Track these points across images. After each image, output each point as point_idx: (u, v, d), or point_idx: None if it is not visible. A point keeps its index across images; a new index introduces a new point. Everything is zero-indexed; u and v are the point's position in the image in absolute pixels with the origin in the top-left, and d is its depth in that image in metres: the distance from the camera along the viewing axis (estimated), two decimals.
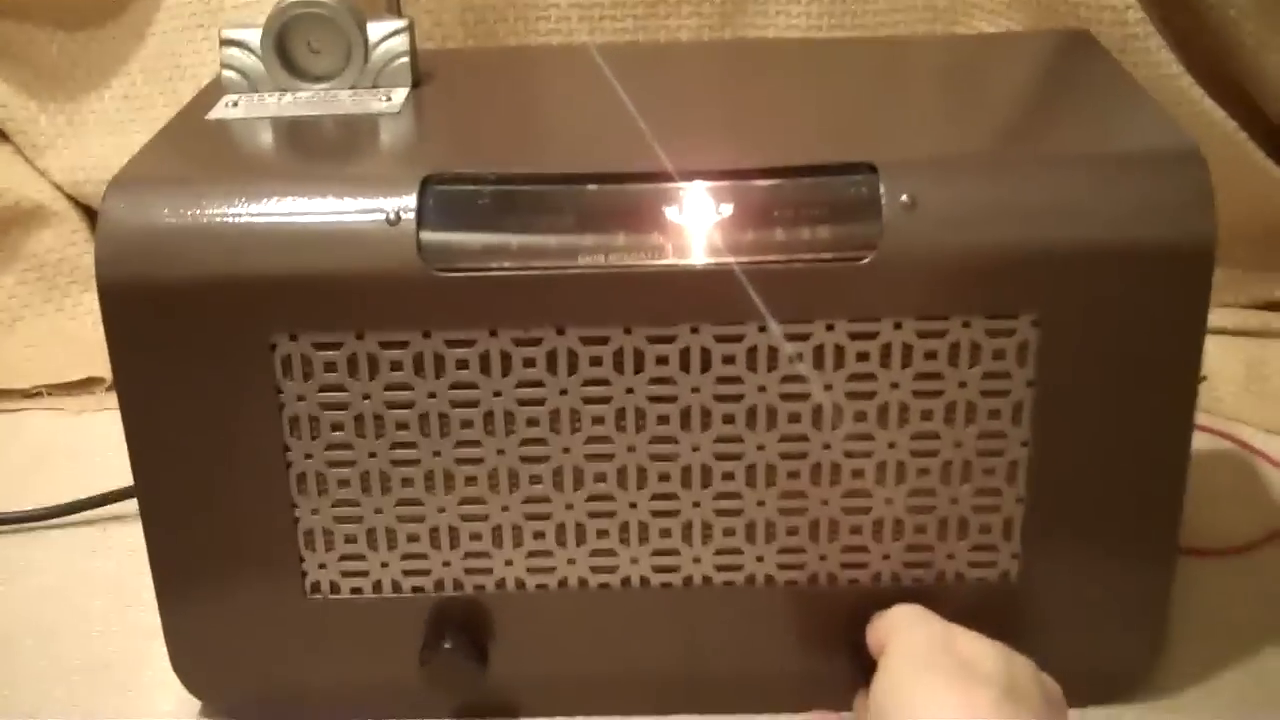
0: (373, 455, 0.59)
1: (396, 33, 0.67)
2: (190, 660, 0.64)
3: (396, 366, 0.58)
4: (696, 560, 0.62)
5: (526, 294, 0.57)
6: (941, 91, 0.71)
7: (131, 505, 0.74)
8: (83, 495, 0.82)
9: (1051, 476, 0.60)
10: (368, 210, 0.57)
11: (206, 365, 0.58)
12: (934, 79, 0.73)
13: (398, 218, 0.57)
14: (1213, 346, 0.92)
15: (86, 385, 0.94)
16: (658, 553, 0.62)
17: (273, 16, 0.66)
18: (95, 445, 0.89)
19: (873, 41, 0.77)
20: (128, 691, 0.68)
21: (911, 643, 0.55)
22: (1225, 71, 0.93)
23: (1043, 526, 0.61)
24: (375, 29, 0.67)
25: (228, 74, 0.67)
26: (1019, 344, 0.58)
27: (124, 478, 0.66)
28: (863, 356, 0.58)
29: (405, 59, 0.67)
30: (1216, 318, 0.94)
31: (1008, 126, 0.65)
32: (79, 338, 0.98)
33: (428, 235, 0.57)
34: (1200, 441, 0.85)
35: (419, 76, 0.69)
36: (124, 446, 0.60)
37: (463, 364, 0.58)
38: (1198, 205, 0.57)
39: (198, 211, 0.57)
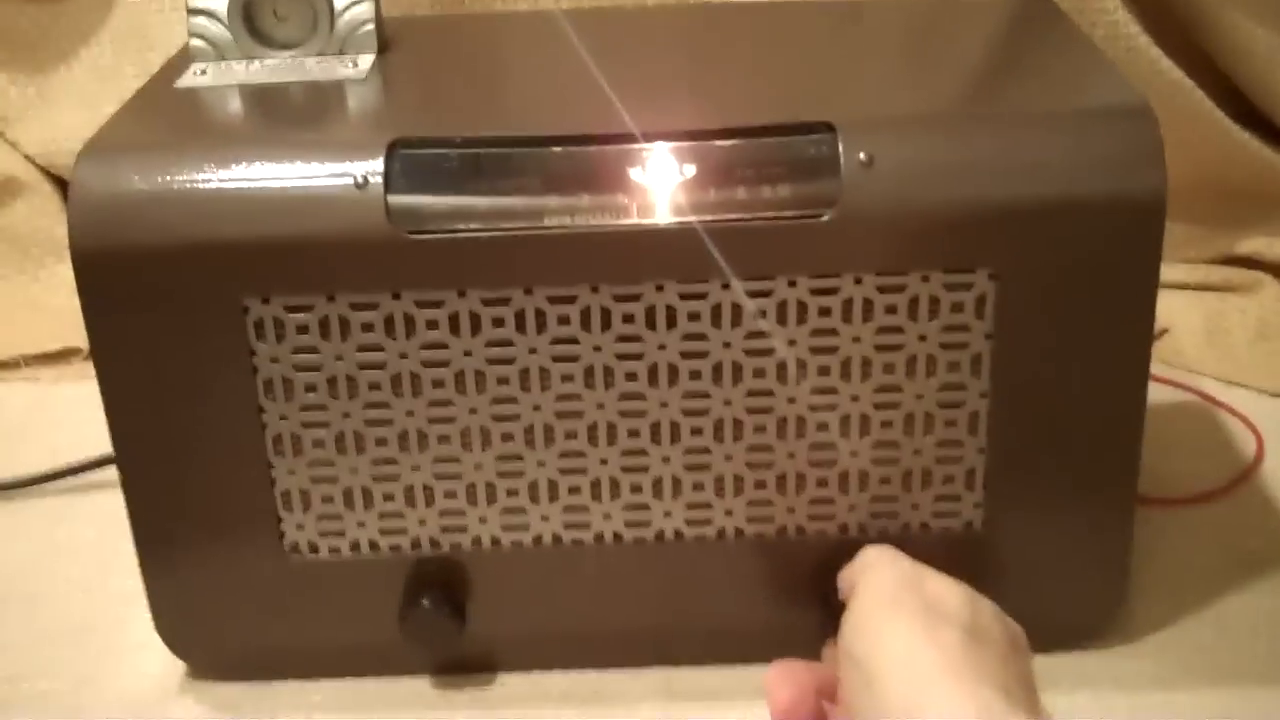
0: (346, 416, 0.60)
1: (362, 0, 0.68)
2: (174, 622, 0.65)
3: (368, 328, 0.59)
4: (667, 514, 0.63)
5: (494, 255, 0.58)
6: (899, 53, 0.72)
7: (110, 473, 0.74)
8: (61, 464, 0.83)
9: (1011, 427, 0.61)
10: (336, 175, 0.58)
11: (180, 330, 0.58)
12: (892, 41, 0.73)
13: (365, 181, 0.57)
14: (1175, 301, 0.94)
15: (63, 356, 0.95)
16: (629, 508, 0.63)
17: None
18: (73, 415, 0.89)
19: (832, 5, 0.78)
20: (112, 654, 0.69)
21: (879, 582, 0.55)
22: (1187, 35, 0.94)
23: (1004, 476, 0.62)
24: None
25: (195, 42, 0.68)
26: (977, 297, 0.59)
27: (102, 446, 0.67)
28: (825, 312, 0.59)
29: (370, 26, 0.68)
30: (1178, 273, 0.96)
31: (964, 86, 0.66)
32: (54, 308, 0.98)
33: (395, 199, 0.57)
34: (1163, 393, 0.87)
35: (385, 43, 0.69)
36: (101, 416, 0.61)
37: (433, 324, 0.59)
38: (1148, 159, 0.58)
39: (168, 178, 0.58)
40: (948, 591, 0.55)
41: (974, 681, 0.49)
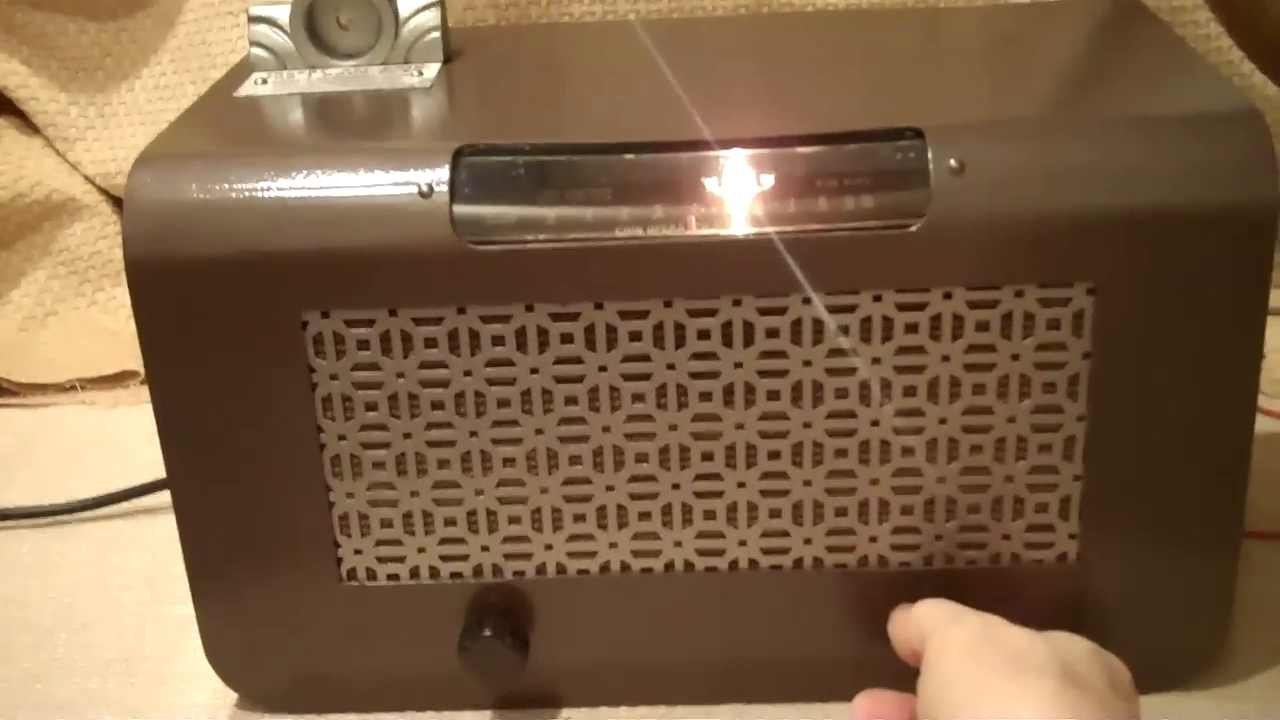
0: (408, 436, 0.58)
1: (428, 7, 0.66)
2: (225, 651, 0.63)
3: (431, 343, 0.56)
4: (742, 543, 0.60)
5: (563, 267, 0.55)
6: (986, 57, 0.69)
7: (164, 498, 0.72)
8: (116, 489, 0.81)
9: (1110, 453, 0.58)
10: (400, 183, 0.55)
11: (237, 344, 0.56)
12: (977, 45, 0.71)
13: (430, 190, 0.55)
14: (1269, 326, 0.90)
15: (120, 379, 0.94)
16: (702, 535, 0.60)
17: None
18: (129, 439, 0.88)
19: (912, 11, 0.75)
20: (162, 684, 0.67)
21: (952, 641, 0.52)
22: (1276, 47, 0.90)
23: (1102, 505, 0.59)
24: (406, 4, 0.66)
25: (256, 51, 0.66)
26: (1074, 314, 0.56)
27: (158, 470, 0.65)
28: (911, 328, 0.56)
29: (437, 34, 0.66)
30: (1273, 298, 0.91)
31: (1057, 89, 0.63)
32: (112, 331, 0.97)
33: (461, 208, 0.55)
34: (1260, 424, 0.83)
35: (450, 52, 0.67)
36: (158, 440, 0.59)
37: (498, 340, 0.56)
38: (1259, 165, 0.54)
39: (226, 186, 0.56)
40: (1029, 640, 0.51)
41: None
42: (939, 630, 0.53)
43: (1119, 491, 0.58)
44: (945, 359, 0.56)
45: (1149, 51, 0.65)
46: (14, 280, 1.00)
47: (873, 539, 0.60)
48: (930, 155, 0.55)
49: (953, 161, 0.54)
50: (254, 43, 0.66)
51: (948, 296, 0.55)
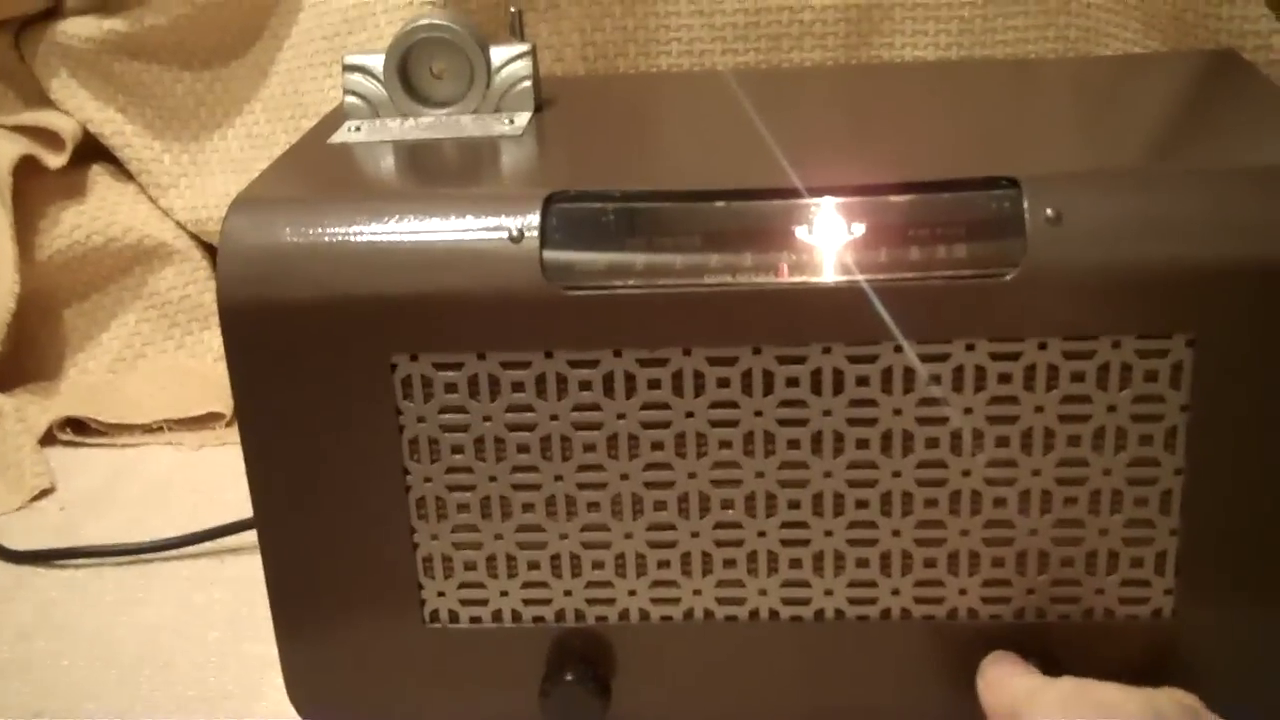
0: (493, 479, 0.58)
1: (519, 57, 0.66)
2: (307, 690, 0.63)
3: (518, 387, 0.56)
4: (828, 592, 0.59)
5: (651, 313, 0.55)
6: (1079, 107, 0.68)
7: (248, 538, 0.73)
8: (199, 528, 0.82)
9: (1208, 507, 0.56)
10: (490, 228, 0.56)
11: (327, 385, 0.57)
12: (1072, 96, 0.70)
13: (520, 235, 0.55)
14: None
15: (206, 420, 0.95)
16: (787, 584, 0.59)
17: (396, 41, 0.66)
18: (214, 479, 0.89)
19: (1003, 62, 0.75)
20: None
21: (1047, 703, 0.52)
22: None
23: (1199, 561, 0.57)
24: (498, 53, 0.67)
25: (350, 100, 0.67)
26: (1172, 365, 0.55)
27: (241, 511, 0.65)
28: (1005, 378, 0.55)
29: (528, 83, 0.66)
30: None
31: (1155, 139, 0.62)
32: (199, 374, 0.98)
33: (551, 253, 0.55)
34: None
35: (541, 101, 0.68)
36: (242, 481, 0.59)
37: (586, 385, 0.56)
38: None
39: (319, 230, 0.56)
40: (1123, 694, 0.51)
41: None
42: (1031, 698, 0.53)
43: (1216, 546, 0.57)
44: (1039, 410, 0.56)
45: (1248, 102, 0.64)
46: (104, 323, 1.02)
47: (962, 591, 0.59)
48: (1026, 204, 0.54)
49: (1049, 211, 0.54)
50: (348, 91, 0.67)
51: (1042, 346, 0.55)
